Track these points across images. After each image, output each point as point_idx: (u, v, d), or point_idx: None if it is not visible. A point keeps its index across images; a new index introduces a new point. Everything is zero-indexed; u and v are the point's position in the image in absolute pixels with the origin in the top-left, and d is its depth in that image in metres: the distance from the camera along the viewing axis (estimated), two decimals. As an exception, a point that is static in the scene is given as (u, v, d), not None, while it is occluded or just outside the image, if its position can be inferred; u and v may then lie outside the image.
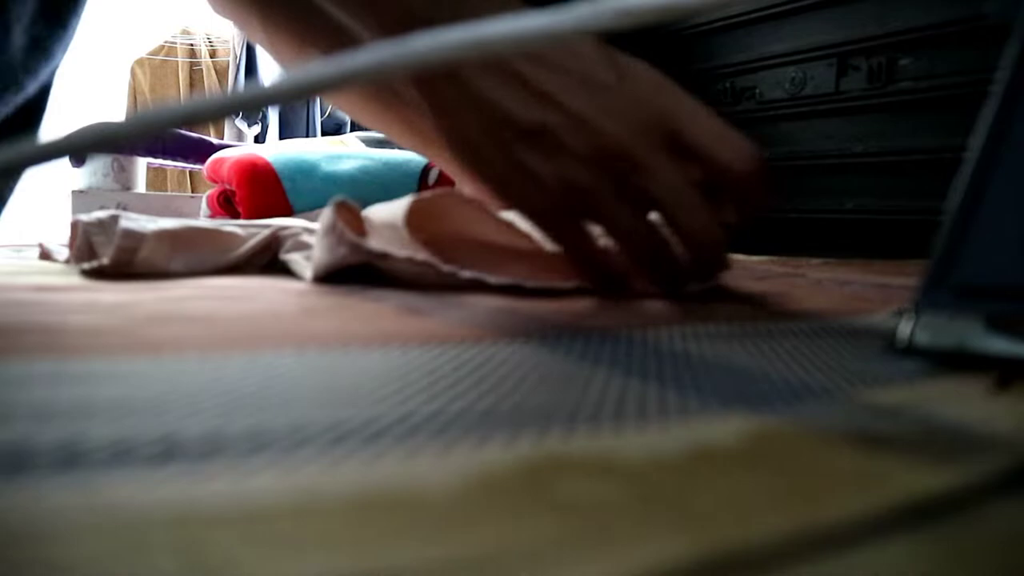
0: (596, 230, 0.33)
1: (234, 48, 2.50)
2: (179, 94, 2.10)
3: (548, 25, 0.15)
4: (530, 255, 0.39)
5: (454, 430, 0.14)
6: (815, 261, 0.67)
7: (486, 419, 0.15)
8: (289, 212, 0.74)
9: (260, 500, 0.11)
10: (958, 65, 0.80)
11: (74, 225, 0.43)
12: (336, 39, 0.35)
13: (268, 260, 0.44)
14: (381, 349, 0.22)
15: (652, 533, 0.10)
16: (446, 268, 0.36)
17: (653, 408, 0.16)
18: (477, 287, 0.36)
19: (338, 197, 0.39)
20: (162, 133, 0.17)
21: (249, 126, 1.60)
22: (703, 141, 0.32)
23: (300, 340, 0.23)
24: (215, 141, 1.16)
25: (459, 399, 0.16)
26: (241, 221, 0.48)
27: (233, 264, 0.43)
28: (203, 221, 0.48)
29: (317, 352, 0.21)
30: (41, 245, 0.51)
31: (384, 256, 0.37)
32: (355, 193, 0.42)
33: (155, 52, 2.29)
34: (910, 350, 0.22)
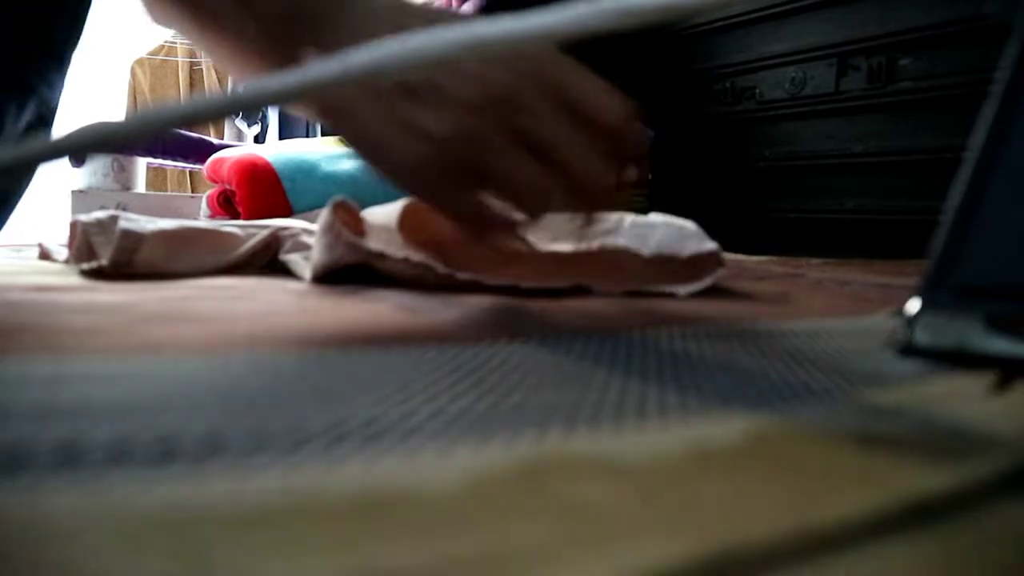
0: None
1: (234, 48, 2.48)
2: (179, 94, 2.10)
3: (548, 25, 0.15)
4: (526, 256, 0.39)
5: (454, 430, 0.14)
6: (815, 261, 0.67)
7: (486, 419, 0.15)
8: (289, 212, 0.74)
9: (260, 500, 0.11)
10: (958, 65, 0.80)
11: (73, 225, 0.43)
12: (266, 46, 0.35)
13: (268, 260, 0.44)
14: (381, 349, 0.22)
15: (652, 533, 0.10)
16: (443, 269, 0.36)
17: (653, 408, 0.16)
18: (475, 287, 0.36)
19: (337, 197, 0.39)
20: (162, 133, 0.17)
21: (249, 126, 1.60)
22: (584, 93, 0.33)
23: (300, 340, 0.23)
24: (215, 141, 1.16)
25: (459, 399, 0.16)
26: (241, 221, 0.48)
27: (233, 264, 0.43)
28: (203, 221, 0.48)
29: (317, 352, 0.21)
30: (41, 245, 0.51)
31: (381, 256, 0.37)
32: (355, 193, 0.42)
33: (155, 52, 2.29)
34: (910, 350, 0.22)
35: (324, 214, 0.38)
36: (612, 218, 0.42)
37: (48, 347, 0.21)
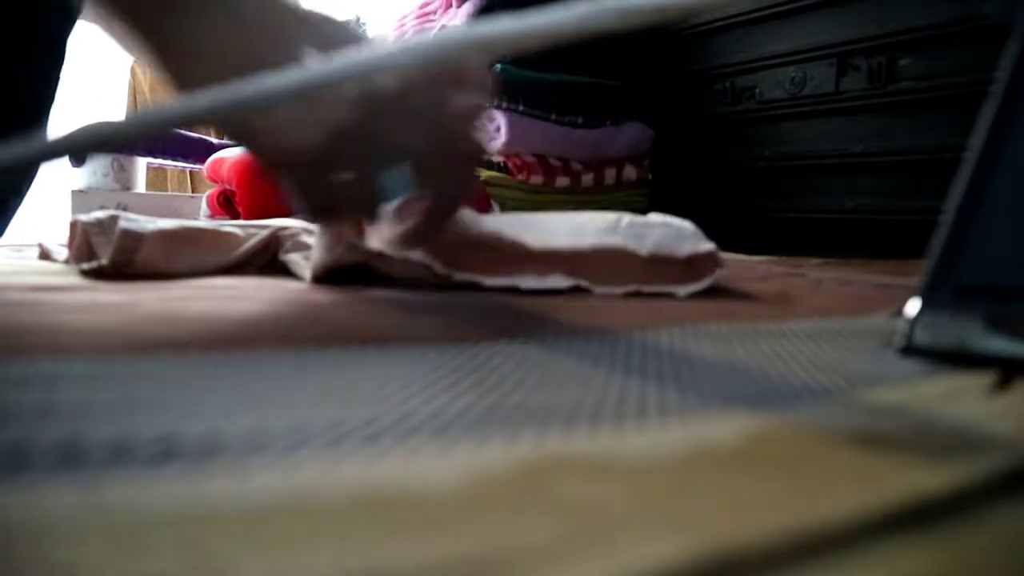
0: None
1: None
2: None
3: (548, 25, 0.15)
4: (524, 256, 0.39)
5: (454, 430, 0.14)
6: (815, 261, 0.67)
7: (486, 419, 0.15)
8: (289, 212, 0.74)
9: (260, 500, 0.11)
10: (958, 65, 0.80)
11: (73, 225, 0.43)
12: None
13: (268, 260, 0.44)
14: (381, 349, 0.22)
15: (652, 533, 0.10)
16: (441, 269, 0.36)
17: (653, 408, 0.16)
18: (473, 287, 0.36)
19: None
20: (162, 133, 0.17)
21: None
22: (459, 120, 0.34)
23: (300, 340, 0.23)
24: (215, 141, 1.16)
25: (459, 399, 0.16)
26: (241, 221, 0.48)
27: (233, 264, 0.43)
28: (203, 221, 0.48)
29: (317, 352, 0.21)
30: (41, 245, 0.51)
31: (381, 256, 0.37)
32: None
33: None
34: (910, 350, 0.22)
35: None
36: (607, 217, 0.42)
37: (48, 347, 0.21)
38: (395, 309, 0.31)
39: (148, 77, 1.74)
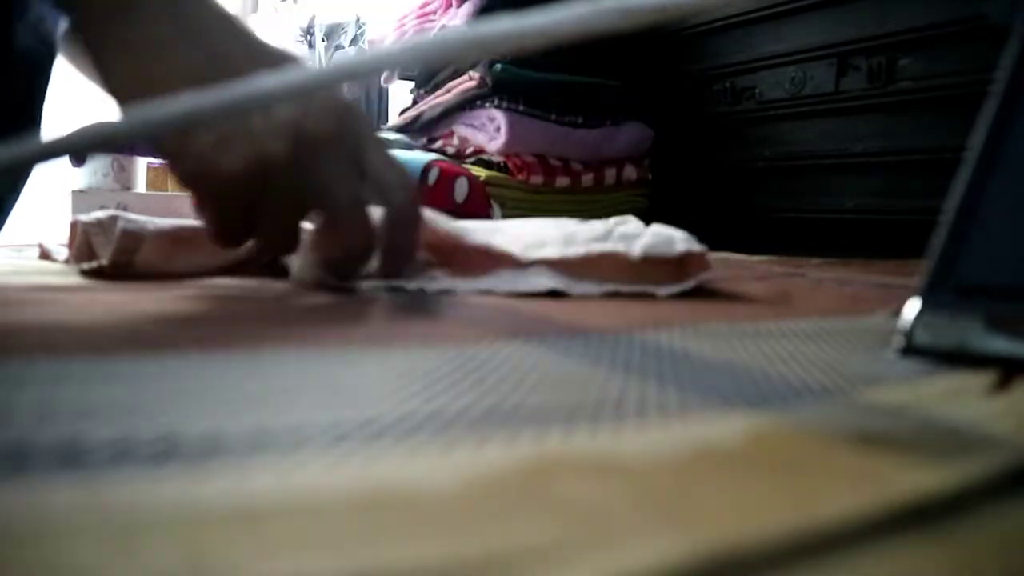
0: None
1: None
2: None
3: (548, 25, 0.15)
4: (509, 260, 0.39)
5: (454, 430, 0.14)
6: (815, 261, 0.67)
7: (486, 419, 0.15)
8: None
9: (260, 500, 0.11)
10: (958, 65, 0.80)
11: (73, 225, 0.43)
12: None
13: (268, 260, 0.44)
14: (381, 349, 0.22)
15: (652, 533, 0.10)
16: (413, 285, 0.37)
17: (653, 408, 0.16)
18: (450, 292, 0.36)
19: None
20: (162, 133, 0.17)
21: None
22: (377, 167, 0.35)
23: (299, 339, 0.23)
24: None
25: (459, 399, 0.16)
26: None
27: (233, 264, 0.43)
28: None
29: (317, 352, 0.21)
30: (41, 245, 0.51)
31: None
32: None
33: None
34: (910, 350, 0.22)
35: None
36: (596, 227, 0.43)
37: (48, 347, 0.21)
38: (395, 309, 0.31)
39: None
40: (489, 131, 1.05)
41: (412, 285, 0.36)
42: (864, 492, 0.12)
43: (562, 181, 1.07)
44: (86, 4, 0.32)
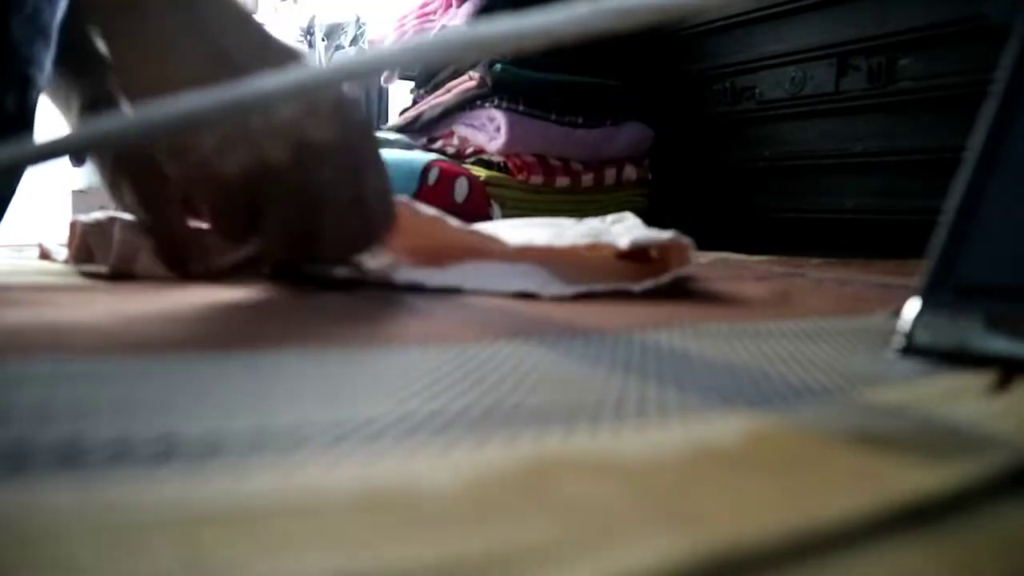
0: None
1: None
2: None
3: (548, 25, 0.15)
4: (496, 252, 0.39)
5: (454, 430, 0.14)
6: (815, 261, 0.67)
7: (486, 419, 0.15)
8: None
9: (260, 500, 0.11)
10: (958, 65, 0.80)
11: (73, 225, 0.43)
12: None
13: (271, 264, 0.44)
14: (381, 349, 0.22)
15: (652, 533, 0.10)
16: (378, 272, 0.37)
17: (653, 408, 0.16)
18: (420, 289, 0.36)
19: None
20: (162, 133, 0.17)
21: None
22: (369, 191, 0.36)
23: (300, 339, 0.23)
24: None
25: (459, 399, 0.16)
26: None
27: (234, 267, 0.43)
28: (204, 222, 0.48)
29: (317, 352, 0.21)
30: (41, 245, 0.51)
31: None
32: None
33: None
34: (910, 350, 0.22)
35: None
36: (592, 223, 0.43)
37: (48, 347, 0.21)
38: (396, 309, 0.31)
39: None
40: (489, 131, 1.05)
41: (376, 275, 0.37)
42: (864, 492, 0.12)
43: (562, 181, 1.07)
44: None
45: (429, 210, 0.40)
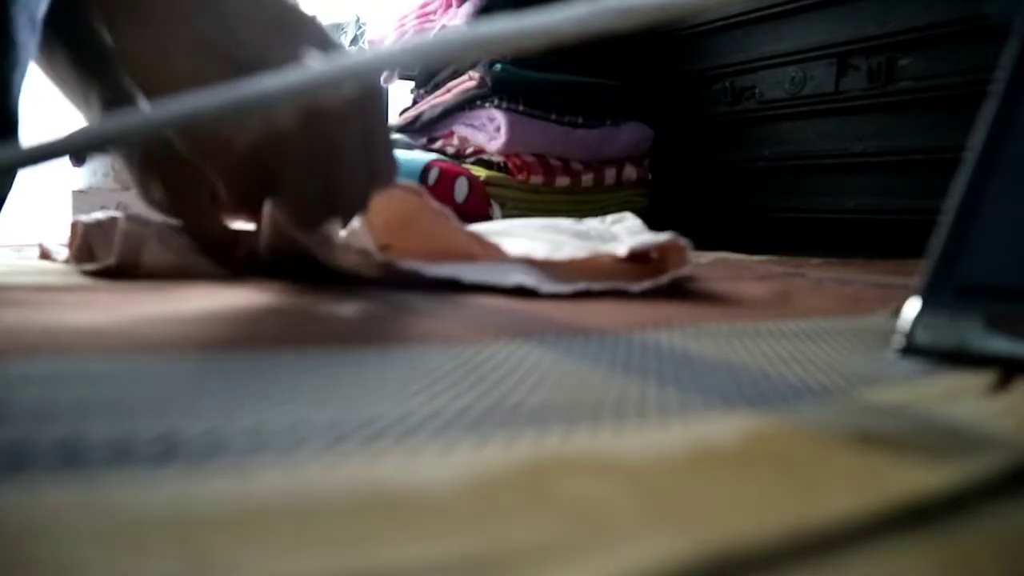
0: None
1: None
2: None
3: (548, 25, 0.15)
4: (490, 253, 0.39)
5: (454, 430, 0.14)
6: (815, 261, 0.67)
7: (486, 419, 0.15)
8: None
9: (260, 500, 0.11)
10: (958, 65, 0.80)
11: (74, 225, 0.43)
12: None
13: (272, 258, 0.44)
14: (381, 349, 0.22)
15: (652, 533, 0.10)
16: (380, 258, 0.37)
17: (653, 408, 0.16)
18: (476, 289, 0.36)
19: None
20: (162, 133, 0.17)
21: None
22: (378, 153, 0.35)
23: (300, 339, 0.23)
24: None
25: (459, 399, 0.16)
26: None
27: (236, 264, 0.43)
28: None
29: (317, 351, 0.21)
30: (41, 245, 0.51)
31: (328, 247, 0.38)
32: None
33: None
34: (910, 350, 0.22)
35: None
36: (591, 224, 0.43)
37: (48, 347, 0.21)
38: (396, 309, 0.31)
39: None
40: (489, 131, 1.05)
41: (376, 266, 0.37)
42: (864, 492, 0.12)
43: (562, 181, 1.07)
44: None
45: (435, 204, 0.40)
